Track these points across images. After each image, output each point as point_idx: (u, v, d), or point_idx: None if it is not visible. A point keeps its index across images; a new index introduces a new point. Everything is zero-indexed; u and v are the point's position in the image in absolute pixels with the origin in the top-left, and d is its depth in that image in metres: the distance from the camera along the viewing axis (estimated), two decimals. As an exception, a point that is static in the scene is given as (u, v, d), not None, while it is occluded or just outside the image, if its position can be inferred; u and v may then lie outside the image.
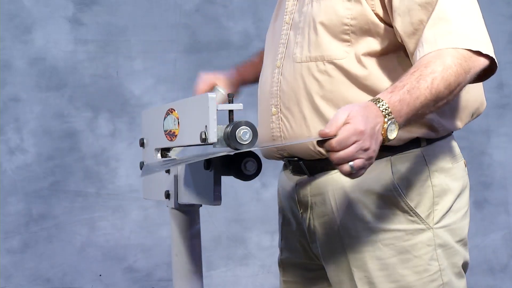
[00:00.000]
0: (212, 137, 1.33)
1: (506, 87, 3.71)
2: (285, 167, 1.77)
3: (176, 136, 1.52)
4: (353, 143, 1.28)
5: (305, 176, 1.67)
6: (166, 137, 1.57)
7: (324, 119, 1.57)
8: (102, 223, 3.41)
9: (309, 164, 1.64)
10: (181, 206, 1.62)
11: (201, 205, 1.63)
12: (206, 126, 1.34)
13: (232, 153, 1.33)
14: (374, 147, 1.31)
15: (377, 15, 1.55)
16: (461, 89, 1.42)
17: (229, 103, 1.37)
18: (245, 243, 3.53)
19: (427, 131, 1.59)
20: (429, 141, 1.61)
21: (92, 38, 3.46)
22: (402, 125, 1.36)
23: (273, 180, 3.51)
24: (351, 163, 1.29)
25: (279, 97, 1.65)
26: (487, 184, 3.64)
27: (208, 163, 1.44)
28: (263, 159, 1.49)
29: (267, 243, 3.52)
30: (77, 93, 3.43)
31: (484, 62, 1.45)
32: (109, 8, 3.48)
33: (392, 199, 1.58)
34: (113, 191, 3.43)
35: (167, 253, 3.40)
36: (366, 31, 1.55)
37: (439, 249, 1.60)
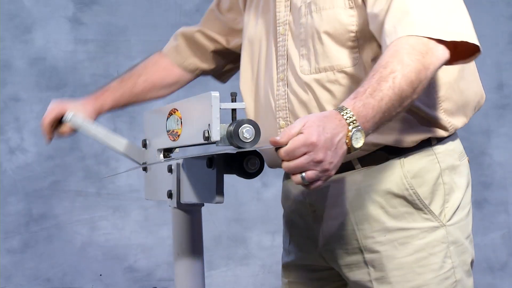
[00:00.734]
0: (215, 136, 1.33)
1: (506, 87, 3.71)
2: None
3: (179, 136, 1.52)
4: (303, 154, 1.25)
5: None
6: (169, 137, 1.57)
7: None
8: (103, 223, 3.41)
9: None
10: (183, 206, 1.63)
11: (203, 205, 1.63)
12: (209, 124, 1.34)
13: (234, 152, 1.33)
14: (331, 159, 1.26)
15: None
16: (424, 86, 1.38)
17: (231, 102, 1.37)
18: (246, 243, 3.53)
19: (438, 130, 1.60)
20: (440, 140, 1.62)
21: (92, 38, 3.46)
22: (371, 131, 1.33)
23: (274, 180, 3.51)
24: (303, 174, 1.25)
25: (288, 110, 1.64)
26: (487, 184, 3.65)
27: (211, 162, 1.44)
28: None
29: (267, 243, 3.52)
30: (78, 93, 3.42)
31: (444, 54, 1.40)
32: (109, 8, 3.48)
33: (407, 198, 1.59)
34: (114, 191, 3.43)
35: (167, 253, 3.41)
36: (372, 36, 1.54)
37: (451, 246, 1.61)
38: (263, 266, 3.53)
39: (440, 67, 1.40)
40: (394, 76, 1.33)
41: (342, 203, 1.63)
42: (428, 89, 1.57)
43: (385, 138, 1.57)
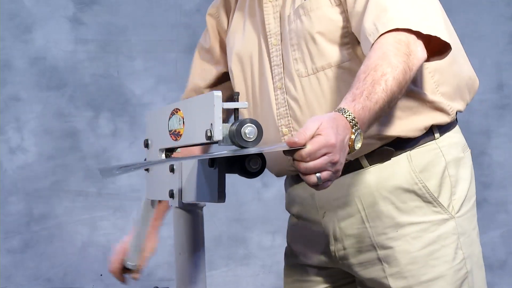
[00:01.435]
0: (218, 135, 1.34)
1: (506, 88, 3.71)
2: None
3: (181, 135, 1.52)
4: (323, 155, 1.27)
5: None
6: (171, 137, 1.57)
7: None
8: (103, 223, 3.41)
9: None
10: (185, 205, 1.63)
11: (204, 204, 1.63)
12: (211, 124, 1.34)
13: (235, 154, 1.33)
14: (342, 160, 1.30)
15: None
16: (408, 85, 1.44)
17: (234, 101, 1.38)
18: (246, 243, 3.53)
19: (441, 115, 1.62)
20: (442, 131, 1.63)
21: (92, 37, 3.46)
22: (364, 132, 1.37)
23: (274, 180, 3.49)
24: (318, 174, 1.28)
25: (289, 116, 1.66)
26: (487, 184, 3.65)
27: (212, 161, 1.44)
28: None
29: (268, 243, 3.52)
30: (78, 92, 3.43)
31: (423, 54, 1.46)
32: (109, 8, 3.48)
33: (417, 192, 1.62)
34: (114, 191, 3.43)
35: (168, 253, 3.40)
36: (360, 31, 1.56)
37: (461, 238, 1.64)
38: (263, 266, 3.53)
39: (420, 65, 1.46)
40: (386, 79, 1.38)
41: (352, 202, 1.65)
42: (425, 75, 1.61)
43: (390, 129, 1.59)
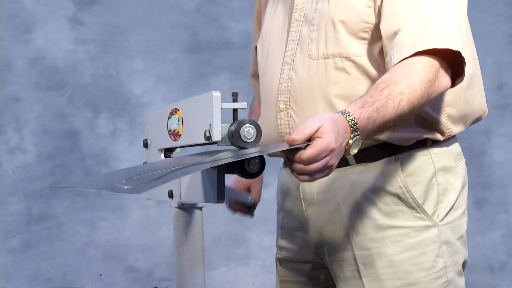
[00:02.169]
0: (216, 136, 1.34)
1: (506, 88, 3.71)
2: (286, 164, 1.77)
3: (180, 135, 1.52)
4: (322, 159, 1.27)
5: None
6: (170, 137, 1.57)
7: None
8: (103, 223, 3.42)
9: None
10: (184, 206, 1.63)
11: (204, 204, 1.63)
12: (210, 124, 1.34)
13: (237, 159, 1.32)
14: (337, 162, 1.31)
15: None
16: (420, 110, 1.45)
17: (233, 102, 1.38)
18: (246, 243, 3.53)
19: (435, 134, 1.61)
20: (435, 142, 1.63)
21: (92, 37, 3.46)
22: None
23: (273, 180, 3.49)
24: (312, 176, 1.29)
25: (289, 93, 1.65)
26: (487, 184, 3.65)
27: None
28: (266, 158, 1.48)
29: (267, 243, 3.52)
30: (78, 93, 3.43)
31: (448, 83, 1.47)
32: (109, 8, 3.48)
33: (400, 196, 1.60)
34: (114, 191, 3.43)
35: (167, 253, 3.41)
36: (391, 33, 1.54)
37: (443, 246, 1.61)
38: (263, 266, 3.53)
39: (439, 94, 1.47)
40: (401, 98, 1.38)
41: (335, 199, 1.64)
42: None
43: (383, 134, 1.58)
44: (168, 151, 1.68)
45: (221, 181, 1.41)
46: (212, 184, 1.43)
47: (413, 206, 1.60)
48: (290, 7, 1.71)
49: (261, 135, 1.33)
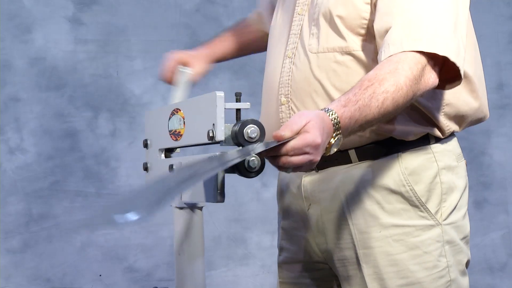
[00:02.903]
0: (220, 135, 1.34)
1: (506, 88, 3.71)
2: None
3: (181, 135, 1.52)
4: (306, 153, 1.27)
5: (313, 172, 1.68)
6: (171, 137, 1.57)
7: None
8: (103, 223, 3.42)
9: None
10: (184, 206, 1.63)
11: (204, 204, 1.63)
12: (213, 124, 1.34)
13: (239, 159, 1.32)
14: (319, 159, 1.31)
15: None
16: (404, 107, 1.43)
17: (236, 102, 1.38)
18: (246, 243, 3.53)
19: (435, 130, 1.62)
20: (437, 139, 1.63)
21: (92, 38, 3.46)
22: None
23: (273, 180, 3.50)
24: (291, 169, 1.30)
25: (290, 87, 1.65)
26: (487, 184, 3.65)
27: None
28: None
29: (267, 243, 3.52)
30: (77, 93, 3.43)
31: (434, 82, 1.45)
32: (109, 8, 3.48)
33: (404, 194, 1.60)
34: (113, 191, 3.43)
35: (167, 253, 3.41)
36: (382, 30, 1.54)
37: (446, 246, 1.61)
38: (263, 266, 3.53)
39: (425, 93, 1.46)
40: (385, 97, 1.37)
41: (338, 197, 1.64)
42: (435, 91, 1.58)
43: (385, 127, 1.58)
44: (169, 151, 1.68)
45: (221, 180, 1.41)
46: (212, 184, 1.43)
47: (416, 204, 1.60)
48: (294, 1, 1.72)
49: (264, 134, 1.33)
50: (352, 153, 1.63)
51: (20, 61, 3.38)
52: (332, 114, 1.33)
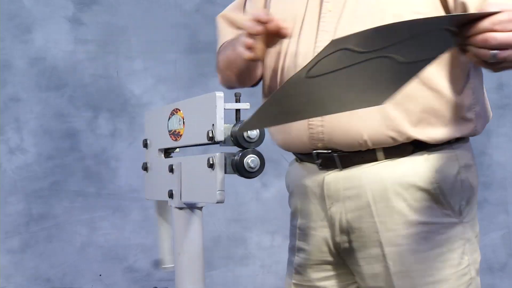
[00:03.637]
0: (219, 136, 1.34)
1: (506, 88, 3.71)
2: (300, 161, 1.73)
3: (181, 136, 1.52)
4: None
5: (336, 170, 1.65)
6: (171, 137, 1.57)
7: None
8: (102, 223, 3.41)
9: (344, 156, 1.62)
10: (184, 206, 1.63)
11: (204, 204, 1.63)
12: (213, 125, 1.34)
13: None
14: None
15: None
16: None
17: (236, 102, 1.38)
18: (245, 243, 3.53)
19: (466, 132, 1.62)
20: (458, 138, 1.64)
21: (92, 38, 3.46)
22: None
23: (273, 180, 3.51)
24: (495, 51, 1.18)
25: None
26: (487, 184, 3.65)
27: (211, 162, 1.44)
28: (266, 158, 1.47)
29: (267, 243, 3.52)
30: (77, 93, 3.43)
31: None
32: (109, 8, 3.48)
33: (431, 192, 1.59)
34: (113, 191, 3.43)
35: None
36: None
37: (467, 244, 1.62)
38: (262, 266, 3.53)
39: None
40: None
41: (363, 195, 1.62)
42: (466, 91, 1.59)
43: (419, 132, 1.57)
44: (168, 151, 1.68)
45: (220, 180, 1.41)
46: (212, 184, 1.44)
47: (442, 202, 1.60)
48: None
49: (264, 135, 1.33)
50: (379, 152, 1.61)
51: (20, 61, 3.38)
52: None
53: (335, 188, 1.65)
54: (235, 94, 1.39)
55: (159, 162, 1.68)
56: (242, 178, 1.41)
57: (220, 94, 1.34)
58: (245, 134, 1.32)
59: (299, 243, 1.78)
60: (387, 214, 1.60)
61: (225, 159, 1.40)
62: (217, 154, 1.40)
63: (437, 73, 1.57)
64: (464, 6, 1.52)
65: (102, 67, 3.45)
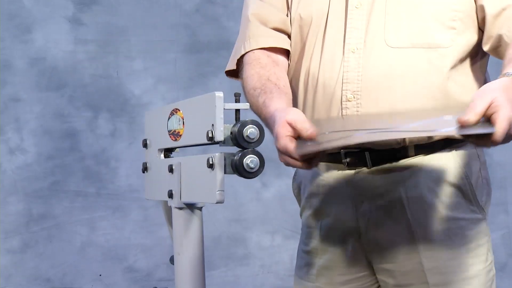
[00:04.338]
0: (219, 136, 1.34)
1: (506, 88, 3.71)
2: (330, 161, 1.68)
3: (180, 136, 1.52)
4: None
5: (364, 168, 1.62)
6: (170, 137, 1.57)
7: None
8: (102, 223, 3.41)
9: (375, 154, 1.60)
10: (184, 206, 1.63)
11: (204, 204, 1.63)
12: (212, 125, 1.35)
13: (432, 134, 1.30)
14: None
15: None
16: None
17: (235, 102, 1.38)
18: (245, 243, 3.53)
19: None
20: None
21: (92, 38, 3.46)
22: None
23: (273, 180, 3.51)
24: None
25: (361, 82, 1.56)
26: (486, 184, 3.65)
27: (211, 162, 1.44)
28: (265, 158, 1.47)
29: (267, 243, 3.52)
30: (77, 93, 3.43)
31: None
32: (109, 8, 3.48)
33: (461, 188, 1.60)
34: (113, 191, 3.43)
35: (167, 253, 3.40)
36: (472, 19, 1.53)
37: (489, 240, 1.64)
38: (262, 266, 3.53)
39: None
40: None
41: (395, 191, 1.61)
42: None
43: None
44: (168, 151, 1.68)
45: (220, 181, 1.41)
46: (212, 184, 1.44)
47: (470, 198, 1.60)
48: None
49: (264, 135, 1.33)
50: (411, 149, 1.59)
51: (20, 61, 3.38)
52: None
53: (366, 186, 1.63)
54: (235, 94, 1.40)
55: (159, 162, 1.68)
56: (242, 178, 1.41)
57: (219, 94, 1.34)
58: (244, 134, 1.32)
59: (322, 245, 1.72)
60: (420, 210, 1.59)
61: (225, 159, 1.40)
62: (216, 154, 1.40)
63: (467, 75, 1.59)
64: (482, 9, 1.54)
65: (102, 67, 3.46)
